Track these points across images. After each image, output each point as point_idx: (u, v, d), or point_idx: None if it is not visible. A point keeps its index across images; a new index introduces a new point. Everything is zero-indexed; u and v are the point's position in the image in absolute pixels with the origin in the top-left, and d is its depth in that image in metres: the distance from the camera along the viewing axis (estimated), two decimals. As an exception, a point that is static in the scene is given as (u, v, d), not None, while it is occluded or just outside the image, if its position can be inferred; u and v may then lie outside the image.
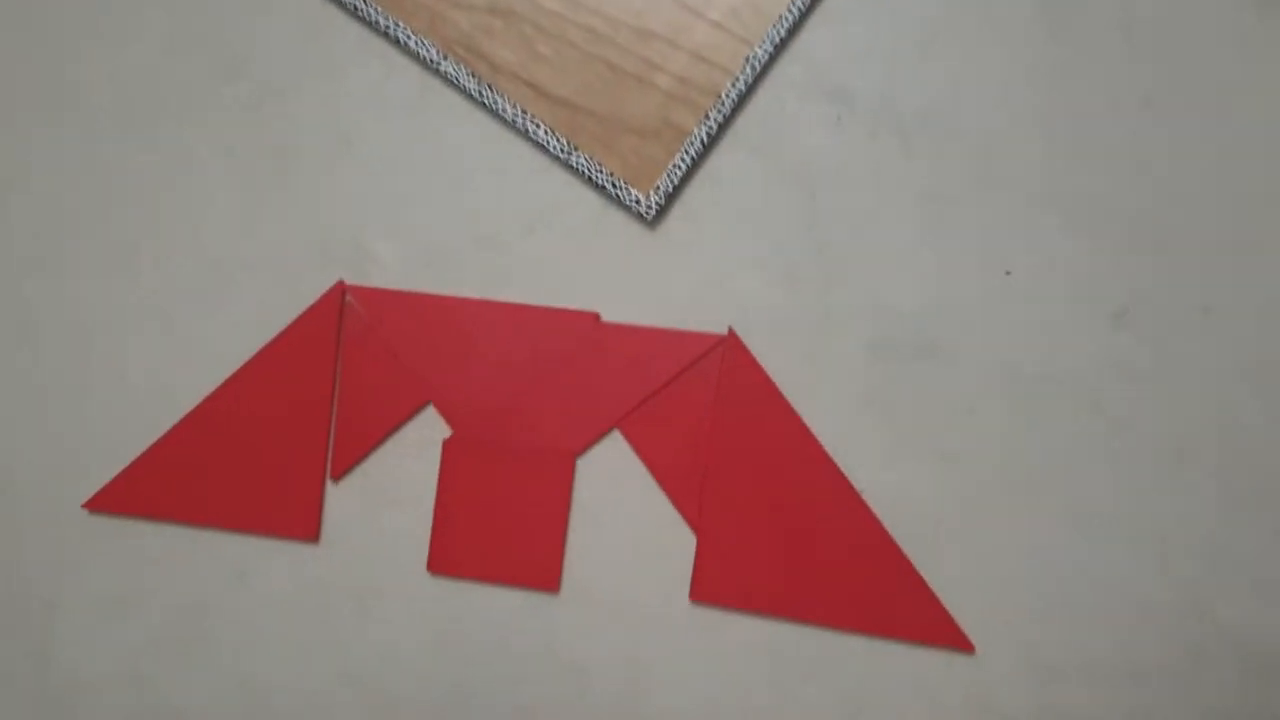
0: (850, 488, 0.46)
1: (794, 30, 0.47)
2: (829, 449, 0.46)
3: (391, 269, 0.49)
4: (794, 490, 0.46)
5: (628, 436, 0.48)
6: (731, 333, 0.47)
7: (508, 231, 0.49)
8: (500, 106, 0.48)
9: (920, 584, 0.46)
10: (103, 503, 0.50)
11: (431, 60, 0.48)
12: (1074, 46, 0.45)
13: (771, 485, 0.47)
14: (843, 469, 0.46)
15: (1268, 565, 0.45)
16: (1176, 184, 0.45)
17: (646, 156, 0.47)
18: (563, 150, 0.47)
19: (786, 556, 0.46)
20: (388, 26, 0.48)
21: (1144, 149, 0.45)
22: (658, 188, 0.47)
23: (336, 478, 0.50)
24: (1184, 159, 0.45)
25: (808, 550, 0.46)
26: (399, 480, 0.49)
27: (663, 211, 0.48)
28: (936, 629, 0.46)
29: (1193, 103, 0.45)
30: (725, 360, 0.47)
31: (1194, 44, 0.45)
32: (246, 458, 0.50)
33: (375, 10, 0.48)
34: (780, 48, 0.47)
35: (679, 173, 0.47)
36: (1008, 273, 0.46)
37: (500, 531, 0.48)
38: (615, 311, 0.48)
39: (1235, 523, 0.45)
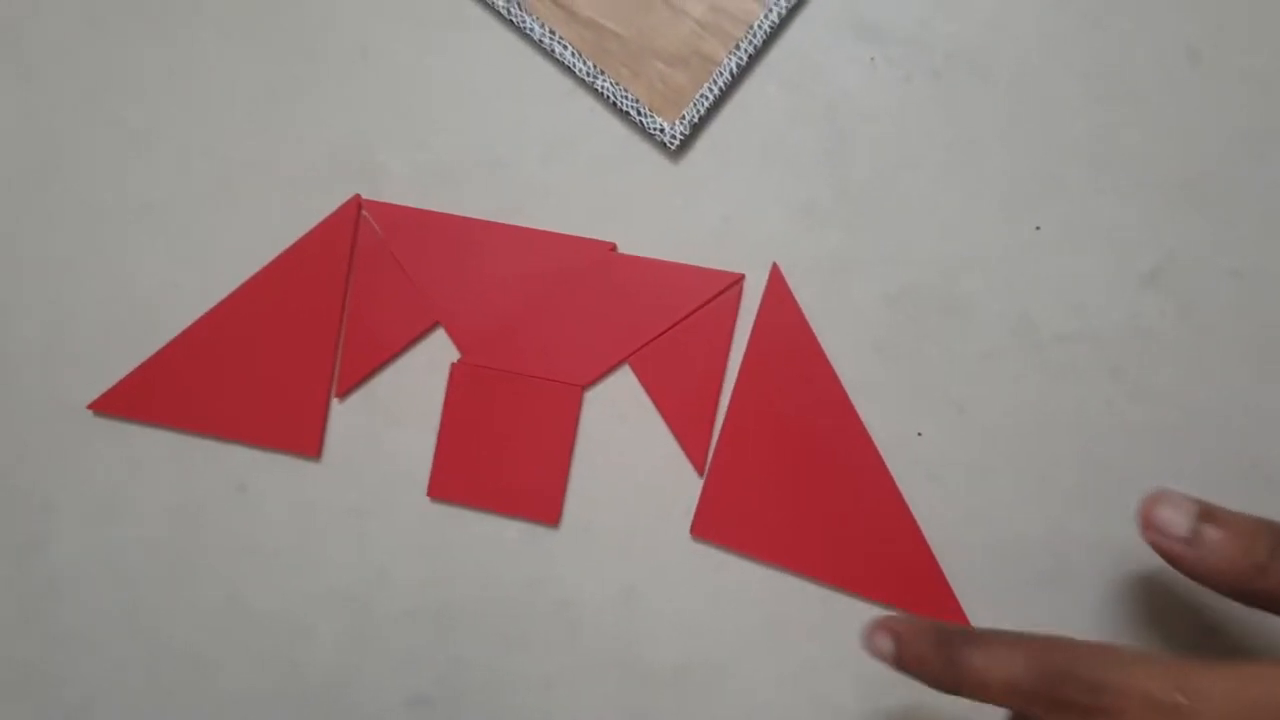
0: (873, 446, 0.45)
1: (834, -38, 0.45)
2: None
3: (405, 186, 0.48)
4: (815, 439, 0.46)
5: (637, 372, 0.47)
6: (776, 269, 0.46)
7: (527, 155, 0.48)
8: (528, 25, 0.46)
9: (930, 559, 0.45)
10: (107, 405, 0.50)
11: (459, -26, 0.47)
12: (1124, -6, 0.44)
13: (792, 430, 0.46)
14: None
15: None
16: (1216, 142, 0.43)
17: (674, 85, 0.46)
18: (588, 74, 0.46)
19: (796, 505, 0.46)
20: (417, -63, 0.47)
21: (1187, 104, 0.43)
22: (683, 117, 0.46)
23: (342, 395, 0.49)
24: (1227, 117, 0.43)
25: (819, 503, 0.45)
26: (404, 402, 0.49)
27: (687, 142, 0.46)
28: (940, 604, 0.45)
29: (1242, 59, 0.43)
30: (768, 295, 0.46)
31: (1250, -2, 0.43)
32: (253, 369, 0.49)
33: (405, -81, 0.47)
34: (819, -21, 0.45)
35: (705, 103, 0.45)
36: (1038, 228, 0.44)
37: (503, 461, 0.48)
38: (632, 243, 0.47)
39: (1247, 496, 0.43)
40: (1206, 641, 0.44)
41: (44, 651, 0.51)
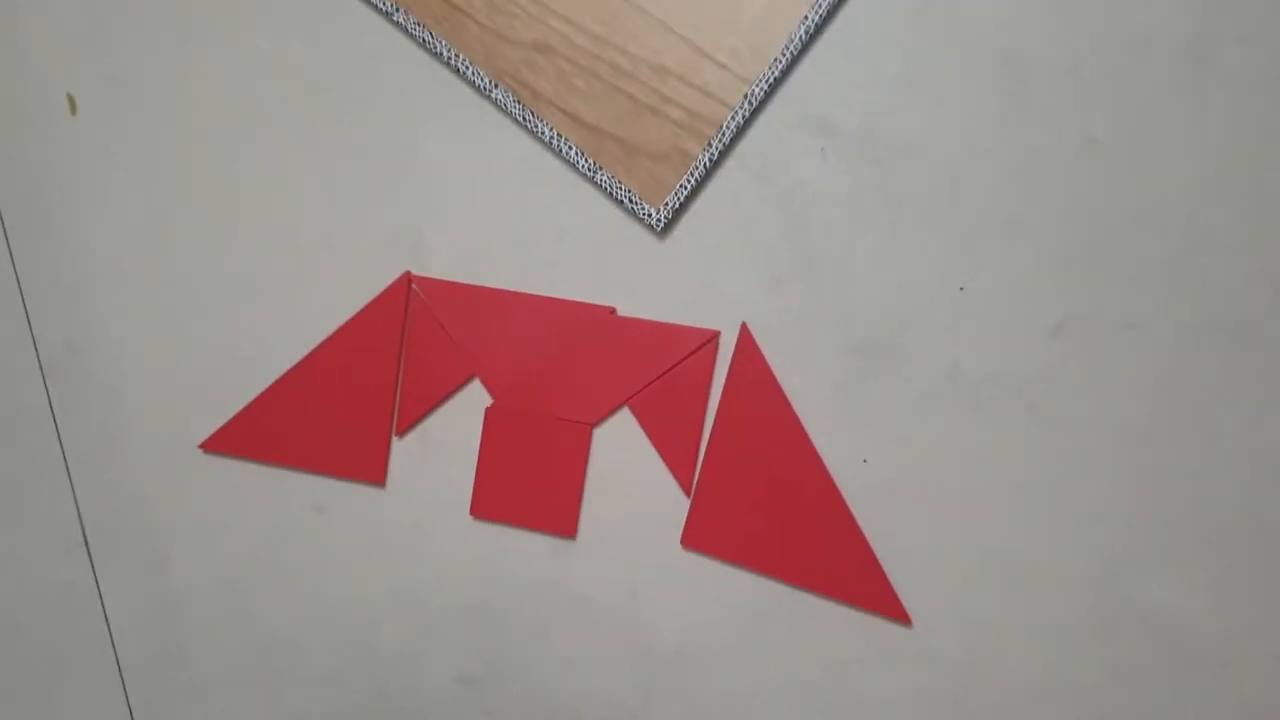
0: (825, 470, 0.55)
1: (787, 72, 0.54)
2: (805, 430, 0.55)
3: (447, 261, 0.59)
4: (779, 466, 0.55)
5: (635, 413, 0.57)
6: (745, 327, 0.56)
7: (543, 235, 0.58)
8: (540, 129, 0.57)
9: (875, 564, 0.54)
10: (215, 444, 0.62)
11: (485, 87, 0.57)
12: (1030, 91, 0.52)
13: (761, 459, 0.56)
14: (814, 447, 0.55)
15: (1174, 546, 0.52)
16: (1111, 215, 0.52)
17: (659, 177, 0.56)
18: (590, 169, 0.56)
19: (766, 519, 0.56)
20: (450, 57, 0.58)
21: (1086, 183, 0.52)
22: (667, 204, 0.55)
23: (400, 434, 0.60)
24: (1119, 193, 0.51)
25: (782, 517, 0.55)
26: (450, 438, 0.60)
27: (671, 224, 0.56)
28: (883, 603, 0.55)
29: (1130, 144, 0.51)
30: (739, 350, 0.56)
31: (1135, 92, 0.51)
32: (328, 413, 0.61)
33: (440, 43, 0.58)
34: (775, 86, 0.54)
35: (685, 191, 0.55)
36: (961, 288, 0.53)
37: (530, 485, 0.59)
38: (629, 307, 0.57)
39: (1147, 509, 0.52)
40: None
41: (170, 644, 0.64)
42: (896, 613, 0.54)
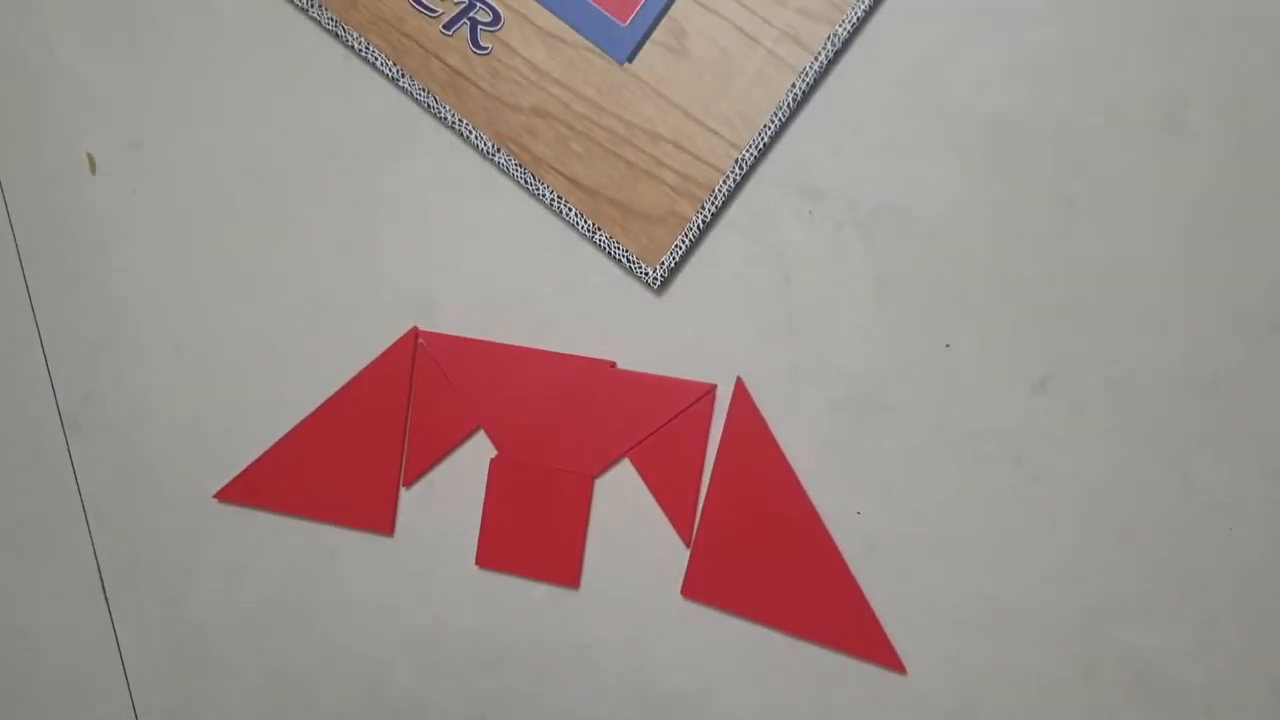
0: (820, 522, 0.57)
1: (776, 138, 0.56)
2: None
3: (453, 316, 0.61)
4: (775, 517, 0.57)
5: (635, 464, 0.59)
6: (740, 383, 0.58)
7: (545, 292, 0.60)
8: (541, 192, 0.59)
9: (869, 614, 0.56)
10: (229, 494, 0.64)
11: (488, 151, 0.60)
12: (1010, 154, 0.54)
13: (758, 510, 0.57)
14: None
15: (1158, 594, 0.54)
16: (1090, 272, 0.53)
17: (655, 238, 0.58)
18: (589, 230, 0.58)
19: (763, 569, 0.57)
20: (454, 122, 0.60)
21: (1065, 242, 0.54)
22: (663, 263, 0.58)
23: (408, 485, 0.62)
24: (1098, 251, 0.53)
25: (779, 568, 0.57)
26: (456, 490, 0.62)
27: (667, 282, 0.58)
28: (878, 652, 0.56)
29: (1107, 204, 0.53)
30: (735, 403, 0.58)
31: (1112, 156, 0.53)
32: (339, 464, 0.63)
33: (445, 108, 0.60)
34: (764, 152, 0.56)
35: (680, 251, 0.57)
36: (948, 345, 0.55)
37: (534, 536, 0.61)
38: (629, 361, 0.59)
39: (1131, 558, 0.54)
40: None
41: (188, 681, 0.66)
42: (891, 661, 0.56)
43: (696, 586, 0.59)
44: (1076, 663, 0.55)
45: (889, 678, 0.57)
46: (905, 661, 0.56)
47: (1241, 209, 0.52)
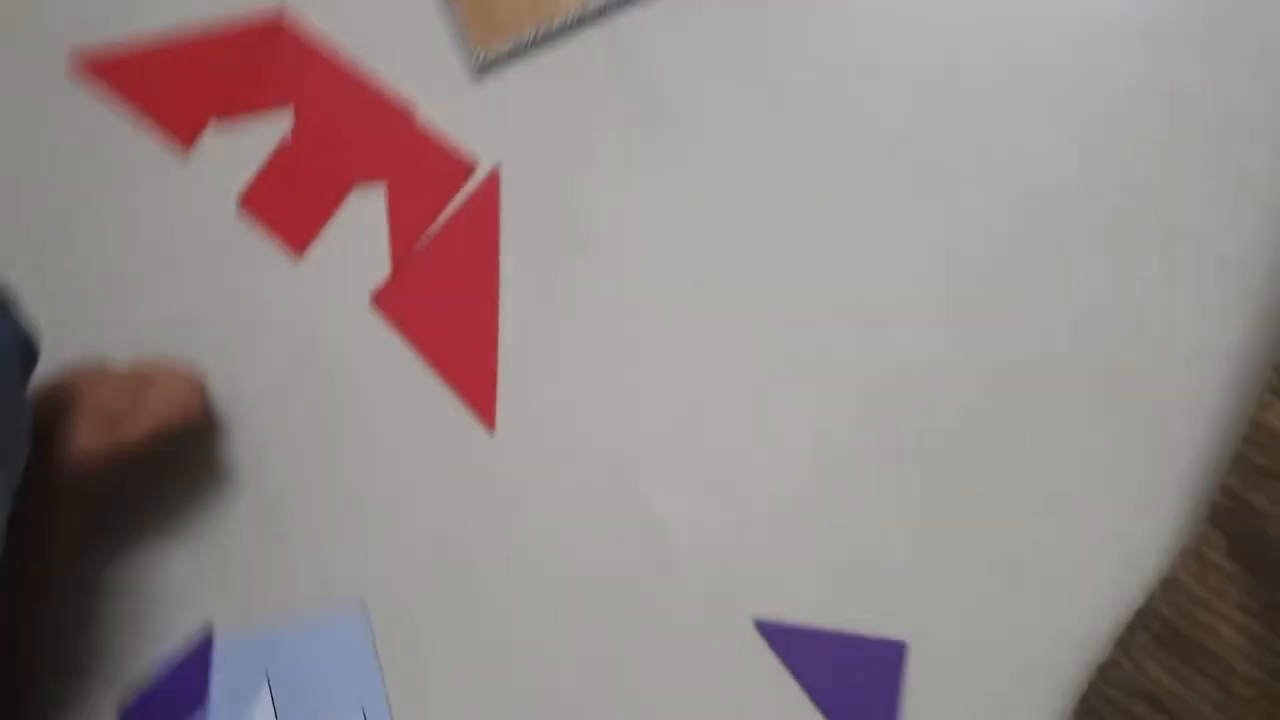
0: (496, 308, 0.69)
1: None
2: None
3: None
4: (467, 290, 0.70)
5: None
6: (495, 172, 0.70)
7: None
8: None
9: (491, 379, 0.68)
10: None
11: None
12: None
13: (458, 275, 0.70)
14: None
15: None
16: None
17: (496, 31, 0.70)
18: None
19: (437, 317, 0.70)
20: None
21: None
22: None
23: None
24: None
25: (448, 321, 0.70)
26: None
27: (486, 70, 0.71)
28: (481, 405, 0.69)
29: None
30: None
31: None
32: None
33: None
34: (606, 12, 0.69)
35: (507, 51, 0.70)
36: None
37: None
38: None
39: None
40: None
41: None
42: (488, 418, 0.68)
43: (386, 302, 0.70)
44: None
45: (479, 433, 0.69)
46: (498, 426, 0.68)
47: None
